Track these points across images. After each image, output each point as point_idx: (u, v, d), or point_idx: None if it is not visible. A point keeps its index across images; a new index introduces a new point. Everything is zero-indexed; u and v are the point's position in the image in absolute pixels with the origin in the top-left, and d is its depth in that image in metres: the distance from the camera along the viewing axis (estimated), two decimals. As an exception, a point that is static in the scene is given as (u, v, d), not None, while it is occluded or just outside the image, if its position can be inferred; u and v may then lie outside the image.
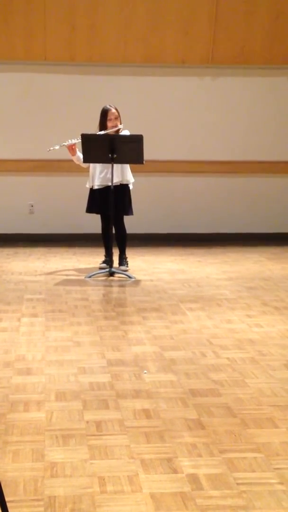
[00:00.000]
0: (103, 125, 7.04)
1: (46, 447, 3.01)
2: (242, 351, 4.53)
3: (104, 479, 2.73)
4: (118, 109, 7.10)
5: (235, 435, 3.17)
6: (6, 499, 2.33)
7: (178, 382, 3.91)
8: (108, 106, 7.08)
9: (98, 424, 3.27)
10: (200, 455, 2.96)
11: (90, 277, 6.96)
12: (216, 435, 3.16)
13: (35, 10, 8.83)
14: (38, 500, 2.57)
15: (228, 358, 4.36)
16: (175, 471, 2.81)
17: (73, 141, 6.98)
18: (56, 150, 7.10)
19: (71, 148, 7.02)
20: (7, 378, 3.93)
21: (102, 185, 7.03)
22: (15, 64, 9.04)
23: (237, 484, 2.71)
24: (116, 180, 6.97)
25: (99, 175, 7.04)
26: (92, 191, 7.18)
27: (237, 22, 9.14)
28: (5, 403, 3.53)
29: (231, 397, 3.67)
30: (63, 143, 7.00)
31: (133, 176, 7.20)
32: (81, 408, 3.48)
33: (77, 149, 7.03)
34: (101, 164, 6.97)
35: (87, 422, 3.30)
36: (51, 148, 7.06)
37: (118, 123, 7.04)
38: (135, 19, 9.00)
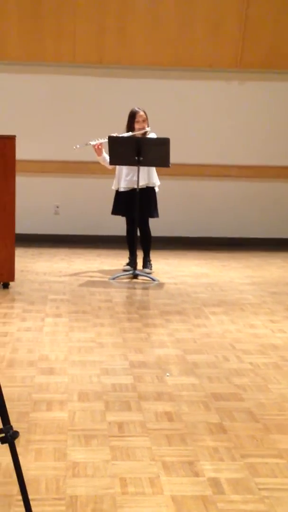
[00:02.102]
0: (130, 127, 7.06)
1: (68, 446, 3.03)
2: (265, 356, 4.51)
3: (125, 480, 2.74)
4: (146, 112, 7.12)
5: (257, 440, 3.16)
6: (29, 497, 2.35)
7: (201, 385, 3.90)
8: (137, 109, 7.11)
9: (120, 426, 3.28)
10: (221, 459, 2.96)
11: (114, 279, 6.98)
12: (238, 440, 3.16)
13: (65, 12, 8.88)
14: (60, 499, 2.58)
15: (251, 363, 4.35)
16: (196, 475, 2.81)
17: (100, 140, 7.00)
18: (82, 151, 7.13)
19: (98, 148, 7.04)
20: (30, 377, 3.95)
21: (128, 187, 7.05)
22: (45, 65, 9.10)
23: (259, 489, 2.71)
24: (142, 183, 6.98)
25: (125, 177, 7.06)
26: (117, 193, 7.20)
27: (267, 26, 9.13)
28: (28, 402, 3.55)
29: (253, 402, 3.66)
30: (90, 142, 7.02)
31: (159, 178, 7.22)
32: (103, 409, 3.50)
33: (103, 150, 7.05)
34: (127, 166, 6.99)
35: (109, 423, 3.31)
36: (77, 146, 7.08)
37: (146, 126, 7.06)
38: (164, 22, 9.01)
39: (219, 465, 2.91)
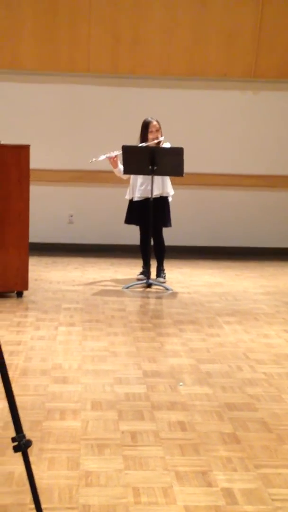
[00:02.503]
0: (144, 137, 7.08)
1: (82, 455, 3.03)
2: (279, 366, 4.49)
3: (138, 490, 2.73)
4: (160, 122, 7.13)
5: (270, 451, 3.15)
6: (42, 506, 2.35)
7: (214, 395, 3.89)
8: (150, 119, 7.13)
9: (133, 435, 3.28)
10: (235, 470, 2.94)
11: (127, 288, 6.98)
12: (251, 450, 3.14)
13: (80, 22, 8.94)
14: (72, 508, 2.58)
15: (264, 373, 4.33)
16: (209, 485, 2.80)
17: (115, 153, 7.03)
18: (97, 161, 7.15)
19: (113, 160, 7.07)
20: (43, 386, 3.95)
21: (142, 197, 7.06)
22: (59, 75, 9.15)
23: (272, 500, 2.69)
24: (157, 193, 7.00)
25: (140, 187, 7.07)
26: (131, 202, 7.22)
27: (281, 36, 9.14)
28: (41, 411, 3.55)
29: (267, 412, 3.65)
30: (105, 155, 7.05)
31: (173, 188, 7.22)
32: (116, 418, 3.49)
33: (118, 161, 7.07)
34: (142, 176, 7.01)
35: (122, 432, 3.31)
36: (93, 160, 7.12)
37: (159, 136, 7.07)
38: (178, 32, 9.04)
39: (232, 475, 2.89)
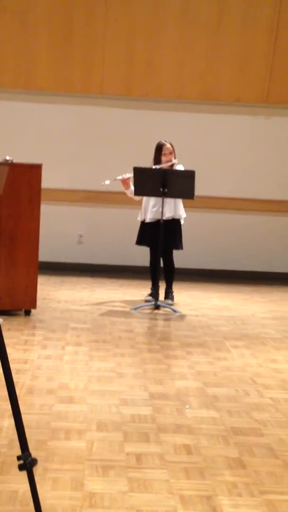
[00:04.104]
0: (157, 159, 7.11)
1: (86, 476, 3.01)
2: (286, 392, 4.47)
3: (142, 513, 2.71)
4: (173, 145, 7.17)
5: (276, 477, 3.12)
6: (45, 526, 2.33)
7: (220, 419, 3.87)
8: (163, 141, 7.16)
9: (138, 457, 3.26)
10: (240, 495, 2.92)
11: (135, 309, 6.97)
12: (257, 476, 3.12)
13: (95, 44, 9.01)
14: (75, 529, 2.56)
15: (271, 398, 4.31)
16: (214, 510, 2.78)
17: (127, 175, 7.06)
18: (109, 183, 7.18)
19: (125, 182, 7.10)
20: (49, 405, 3.94)
21: (154, 218, 7.07)
22: (73, 96, 9.21)
23: (277, 527, 2.66)
24: (169, 215, 7.02)
25: (152, 209, 7.09)
26: (143, 223, 7.23)
27: (294, 62, 9.18)
28: (46, 430, 3.54)
29: (273, 437, 3.62)
30: (117, 177, 7.08)
31: (184, 211, 7.23)
32: (121, 439, 3.47)
33: (130, 183, 7.10)
34: (154, 198, 7.03)
35: (127, 454, 3.29)
36: (105, 182, 7.15)
37: (172, 158, 7.10)
38: (192, 56, 9.11)
39: (237, 500, 2.87)
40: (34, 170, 6.18)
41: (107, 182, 7.12)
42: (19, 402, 2.40)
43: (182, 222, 7.23)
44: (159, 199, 6.94)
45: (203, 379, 4.66)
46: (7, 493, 2.80)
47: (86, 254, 9.46)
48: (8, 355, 2.31)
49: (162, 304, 7.11)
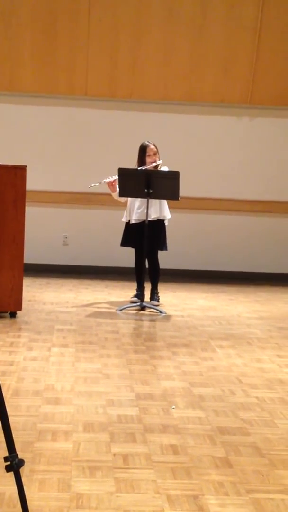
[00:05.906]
0: (142, 160, 7.11)
1: (73, 477, 3.01)
2: (272, 391, 4.49)
3: (129, 513, 2.71)
4: (157, 145, 7.18)
5: (262, 476, 3.14)
6: (32, 527, 2.33)
7: (207, 419, 3.88)
8: (147, 142, 7.17)
9: (125, 457, 3.26)
10: (226, 494, 2.93)
11: (121, 310, 6.98)
12: (243, 475, 3.13)
13: (78, 46, 9.02)
14: (63, 530, 2.56)
15: (257, 397, 4.33)
16: (201, 509, 2.79)
17: (113, 177, 7.06)
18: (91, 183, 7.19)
19: (111, 185, 7.10)
20: (35, 407, 3.94)
21: (139, 219, 7.08)
22: (57, 97, 9.21)
23: (264, 525, 2.68)
24: (154, 216, 7.03)
25: (137, 210, 7.10)
26: (127, 225, 7.24)
27: (277, 63, 9.24)
28: (33, 432, 3.54)
29: (259, 436, 3.64)
30: (104, 180, 7.09)
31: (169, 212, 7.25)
32: (108, 440, 3.48)
33: (117, 186, 7.10)
34: (139, 199, 7.04)
35: (114, 454, 3.29)
36: (92, 185, 7.15)
37: (157, 159, 7.11)
38: (176, 57, 9.13)
39: (224, 499, 2.88)
40: (18, 172, 6.17)
41: (95, 184, 7.13)
42: (6, 404, 2.40)
43: (166, 223, 7.24)
44: (144, 200, 6.95)
45: (189, 379, 4.68)
46: (-6, 495, 2.79)
47: (71, 255, 9.46)
48: (-6, 357, 2.30)
49: (147, 305, 7.12)
